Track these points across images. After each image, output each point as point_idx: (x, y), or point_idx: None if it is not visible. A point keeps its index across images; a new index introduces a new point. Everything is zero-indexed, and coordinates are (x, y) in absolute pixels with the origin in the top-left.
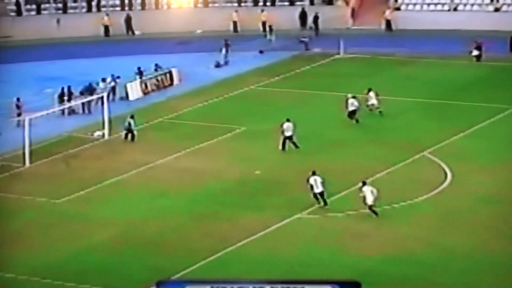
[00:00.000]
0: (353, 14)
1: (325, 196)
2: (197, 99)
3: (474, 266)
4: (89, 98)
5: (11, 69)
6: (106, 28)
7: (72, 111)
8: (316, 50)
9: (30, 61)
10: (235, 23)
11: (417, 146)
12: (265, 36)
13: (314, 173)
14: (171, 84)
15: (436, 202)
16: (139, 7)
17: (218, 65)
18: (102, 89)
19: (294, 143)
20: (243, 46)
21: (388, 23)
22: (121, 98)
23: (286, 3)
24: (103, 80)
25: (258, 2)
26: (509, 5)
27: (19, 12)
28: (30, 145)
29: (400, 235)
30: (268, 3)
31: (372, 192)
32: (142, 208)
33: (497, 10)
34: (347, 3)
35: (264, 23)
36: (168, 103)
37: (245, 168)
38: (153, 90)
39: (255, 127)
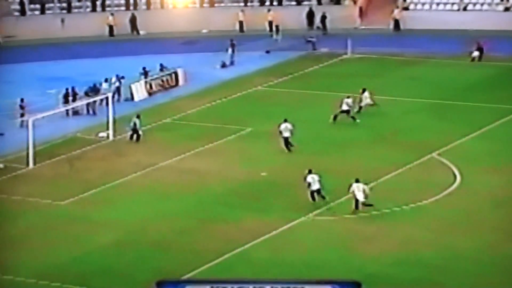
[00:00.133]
0: (361, 13)
1: (323, 193)
2: (202, 99)
3: (483, 268)
4: (94, 98)
5: (14, 69)
6: (111, 28)
7: (76, 112)
8: (324, 50)
9: (34, 61)
10: (241, 22)
11: (425, 147)
12: (272, 36)
13: (310, 171)
14: (177, 84)
15: (445, 204)
16: (144, 7)
17: (224, 66)
18: (105, 89)
19: (287, 145)
20: (249, 46)
21: (397, 22)
22: (126, 99)
23: (293, 3)
24: (106, 80)
25: (265, 1)
26: None
27: (23, 12)
28: (34, 146)
29: (408, 238)
30: (274, 3)
31: (364, 190)
32: (147, 210)
33: (507, 9)
34: (355, 3)
35: (270, 23)
36: (173, 104)
37: (251, 170)
38: (158, 91)
39: (261, 128)
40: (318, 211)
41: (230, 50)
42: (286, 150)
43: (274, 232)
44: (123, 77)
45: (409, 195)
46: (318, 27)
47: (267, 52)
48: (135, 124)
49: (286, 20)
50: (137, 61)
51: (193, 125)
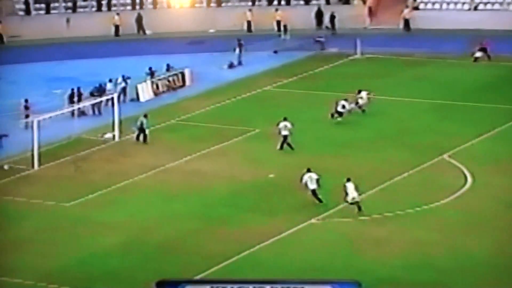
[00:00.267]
0: (370, 13)
1: (319, 194)
2: (209, 100)
3: (494, 271)
4: (99, 99)
5: (19, 70)
6: (117, 28)
7: (81, 113)
8: (332, 50)
9: (39, 61)
10: (249, 22)
11: (436, 149)
12: (280, 35)
13: (309, 170)
14: (183, 85)
15: (456, 206)
16: (151, 6)
17: (231, 66)
18: (110, 90)
19: (282, 144)
20: (257, 46)
21: (406, 22)
22: (132, 99)
23: (302, 2)
24: (110, 80)
25: (273, 0)
26: None
27: (28, 11)
28: (39, 147)
29: (418, 240)
30: (283, 2)
31: (356, 188)
32: (153, 212)
33: None
34: (364, 2)
35: (278, 22)
36: (180, 105)
37: (259, 171)
38: (164, 91)
39: (269, 130)
40: (326, 213)
41: (237, 50)
42: (279, 149)
43: (282, 235)
44: (129, 78)
45: (419, 197)
46: (326, 27)
47: (275, 52)
48: (142, 123)
49: (294, 19)
50: (143, 61)
51: (200, 126)
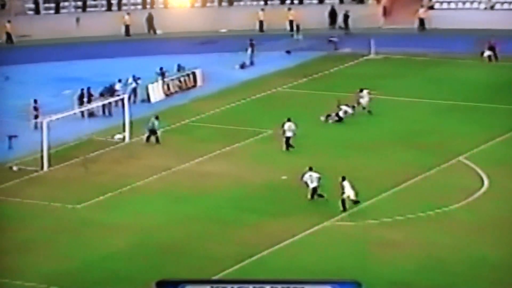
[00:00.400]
0: (385, 12)
1: (319, 191)
2: (221, 101)
3: (508, 276)
4: (110, 100)
5: (29, 70)
6: (127, 27)
7: (91, 114)
8: (346, 50)
9: (48, 61)
10: (261, 22)
11: (451, 150)
12: (292, 35)
13: (311, 169)
14: (194, 85)
15: (472, 209)
16: (161, 6)
17: (243, 66)
18: (119, 90)
19: (287, 145)
20: (269, 46)
21: (422, 22)
22: (142, 100)
23: (315, 1)
24: (120, 81)
25: (285, 0)
26: None
27: (37, 11)
28: (48, 148)
29: (433, 244)
30: (295, 1)
31: (352, 187)
32: (163, 214)
33: None
34: (378, 1)
35: (291, 22)
36: (191, 105)
37: (271, 173)
38: (175, 92)
39: (282, 131)
40: (340, 216)
41: (249, 50)
42: (285, 150)
43: (294, 238)
44: (139, 78)
45: (434, 200)
46: (340, 27)
47: (288, 52)
48: (153, 124)
49: (307, 19)
50: (153, 61)
51: (211, 127)
